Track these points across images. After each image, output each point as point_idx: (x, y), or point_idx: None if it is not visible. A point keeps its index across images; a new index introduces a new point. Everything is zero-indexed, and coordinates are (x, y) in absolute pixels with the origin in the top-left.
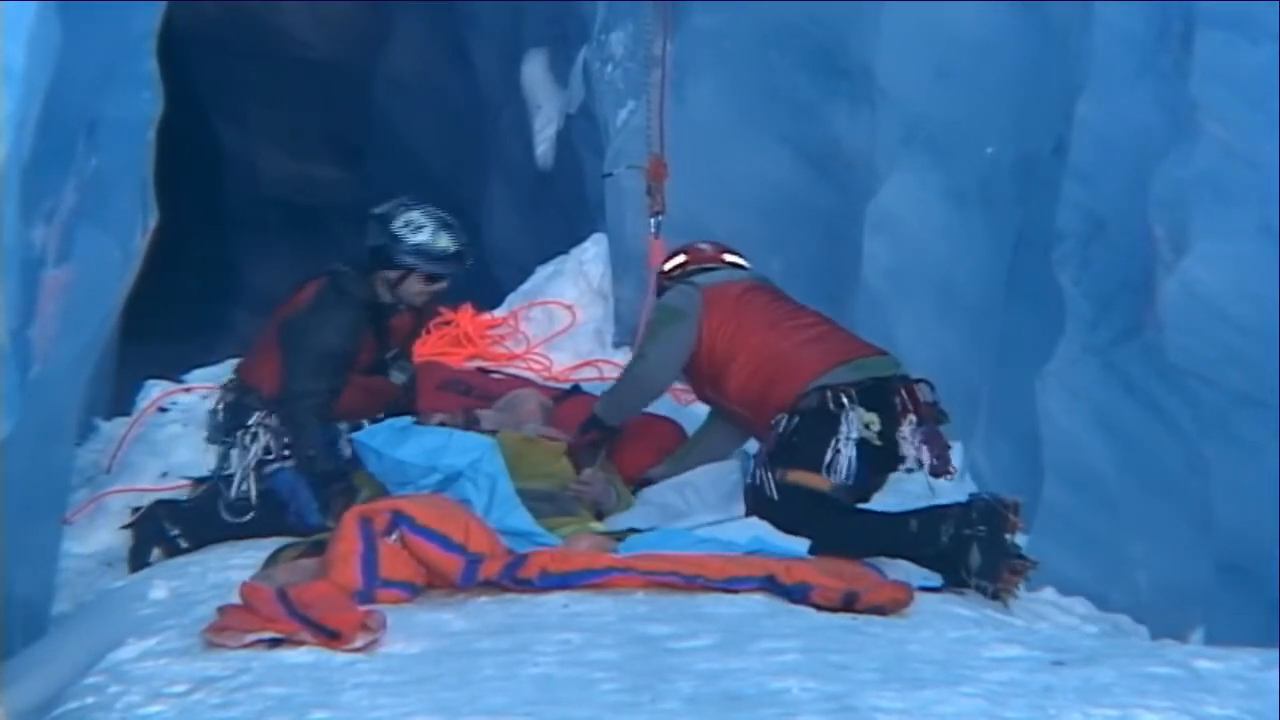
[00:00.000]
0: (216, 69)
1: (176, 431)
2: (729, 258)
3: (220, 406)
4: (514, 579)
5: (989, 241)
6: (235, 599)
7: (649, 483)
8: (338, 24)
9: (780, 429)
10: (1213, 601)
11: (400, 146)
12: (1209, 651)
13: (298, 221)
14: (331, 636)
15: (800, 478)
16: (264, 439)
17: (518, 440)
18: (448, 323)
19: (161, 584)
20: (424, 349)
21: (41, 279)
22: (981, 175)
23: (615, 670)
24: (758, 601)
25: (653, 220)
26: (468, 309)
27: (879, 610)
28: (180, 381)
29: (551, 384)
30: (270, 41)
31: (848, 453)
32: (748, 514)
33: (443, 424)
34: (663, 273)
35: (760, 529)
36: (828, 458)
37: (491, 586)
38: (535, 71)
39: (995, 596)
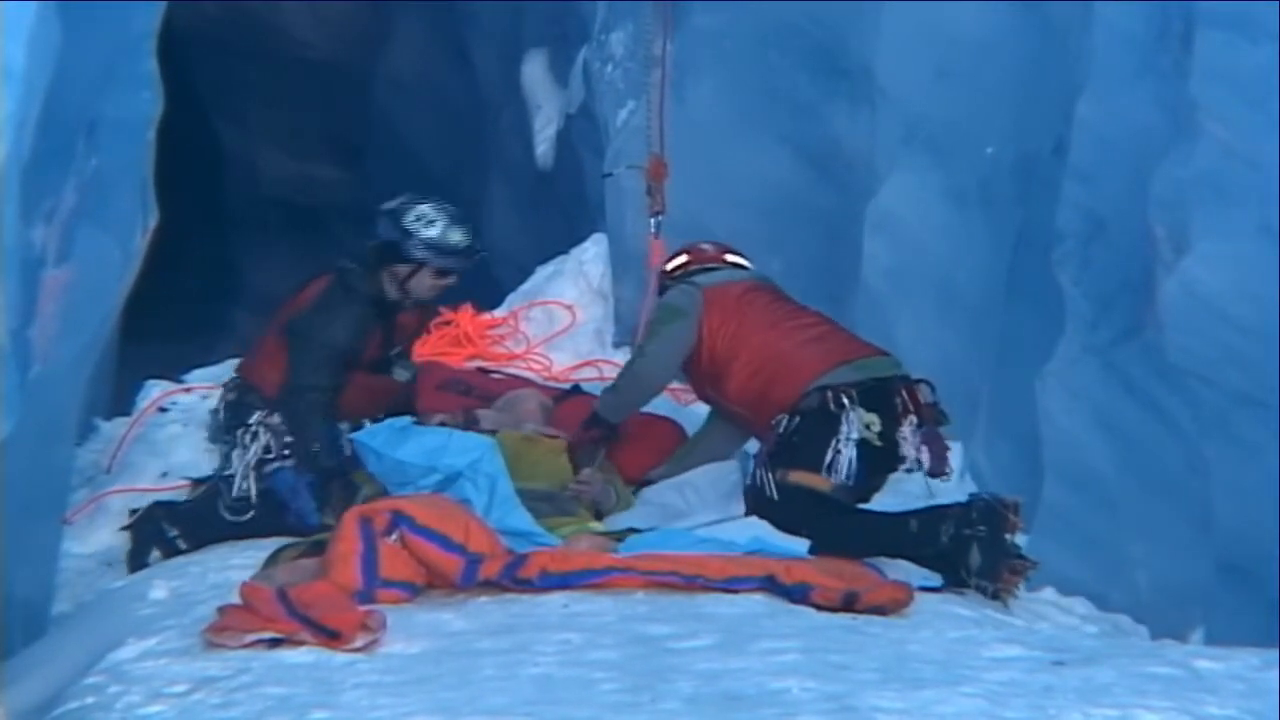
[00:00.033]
0: (216, 69)
1: (176, 431)
2: (731, 258)
3: (221, 406)
4: (514, 579)
5: (989, 241)
6: (235, 599)
7: (650, 484)
8: (338, 24)
9: (781, 429)
10: (1213, 601)
11: (400, 146)
12: (1209, 651)
13: (298, 221)
14: (331, 636)
15: (800, 478)
16: (264, 438)
17: (517, 440)
18: (448, 323)
19: (161, 584)
20: (424, 349)
21: (41, 279)
22: (981, 175)
23: (615, 670)
24: (758, 601)
25: (653, 220)
26: (468, 309)
27: (879, 610)
28: (180, 381)
29: (551, 384)
30: (270, 41)
31: (848, 453)
32: (748, 514)
33: (443, 424)
34: (664, 272)
35: (760, 529)
36: (828, 458)
37: (491, 586)
38: (535, 71)
39: (995, 596)
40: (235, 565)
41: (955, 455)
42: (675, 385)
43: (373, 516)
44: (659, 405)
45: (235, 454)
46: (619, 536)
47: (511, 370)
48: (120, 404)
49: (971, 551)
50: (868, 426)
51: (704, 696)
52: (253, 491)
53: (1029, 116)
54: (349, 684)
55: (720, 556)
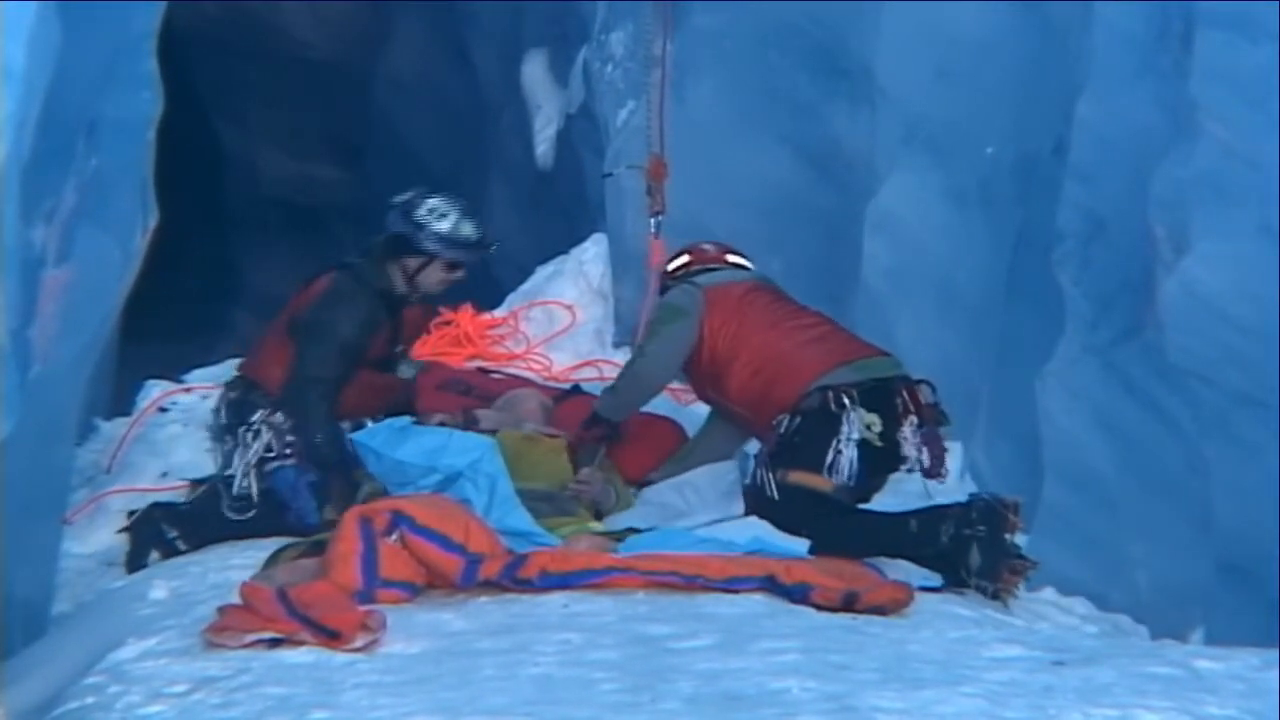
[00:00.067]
0: (216, 69)
1: (176, 431)
2: (732, 258)
3: (222, 405)
4: (514, 579)
5: (989, 241)
6: (235, 599)
7: (650, 485)
8: (338, 24)
9: (781, 429)
10: (1213, 601)
11: (400, 146)
12: (1209, 651)
13: (298, 221)
14: (331, 636)
15: (801, 478)
16: (266, 436)
17: (517, 439)
18: (448, 323)
19: (161, 584)
20: (424, 349)
21: (41, 279)
22: (981, 175)
23: (615, 670)
24: (758, 601)
25: (653, 220)
26: (468, 309)
27: (879, 610)
28: (180, 381)
29: (551, 384)
30: (270, 41)
31: (849, 453)
32: (748, 514)
33: (442, 424)
34: (666, 272)
35: (760, 529)
36: (829, 458)
37: (491, 586)
38: (535, 71)
39: (995, 596)
40: (235, 565)
41: (955, 455)
42: (675, 385)
43: (373, 516)
44: (659, 405)
45: (237, 453)
46: (619, 536)
47: (511, 370)
48: (120, 404)
49: (971, 551)
50: (868, 427)
51: (704, 696)
52: (254, 490)
53: (1029, 116)
54: (349, 684)
55: (720, 556)
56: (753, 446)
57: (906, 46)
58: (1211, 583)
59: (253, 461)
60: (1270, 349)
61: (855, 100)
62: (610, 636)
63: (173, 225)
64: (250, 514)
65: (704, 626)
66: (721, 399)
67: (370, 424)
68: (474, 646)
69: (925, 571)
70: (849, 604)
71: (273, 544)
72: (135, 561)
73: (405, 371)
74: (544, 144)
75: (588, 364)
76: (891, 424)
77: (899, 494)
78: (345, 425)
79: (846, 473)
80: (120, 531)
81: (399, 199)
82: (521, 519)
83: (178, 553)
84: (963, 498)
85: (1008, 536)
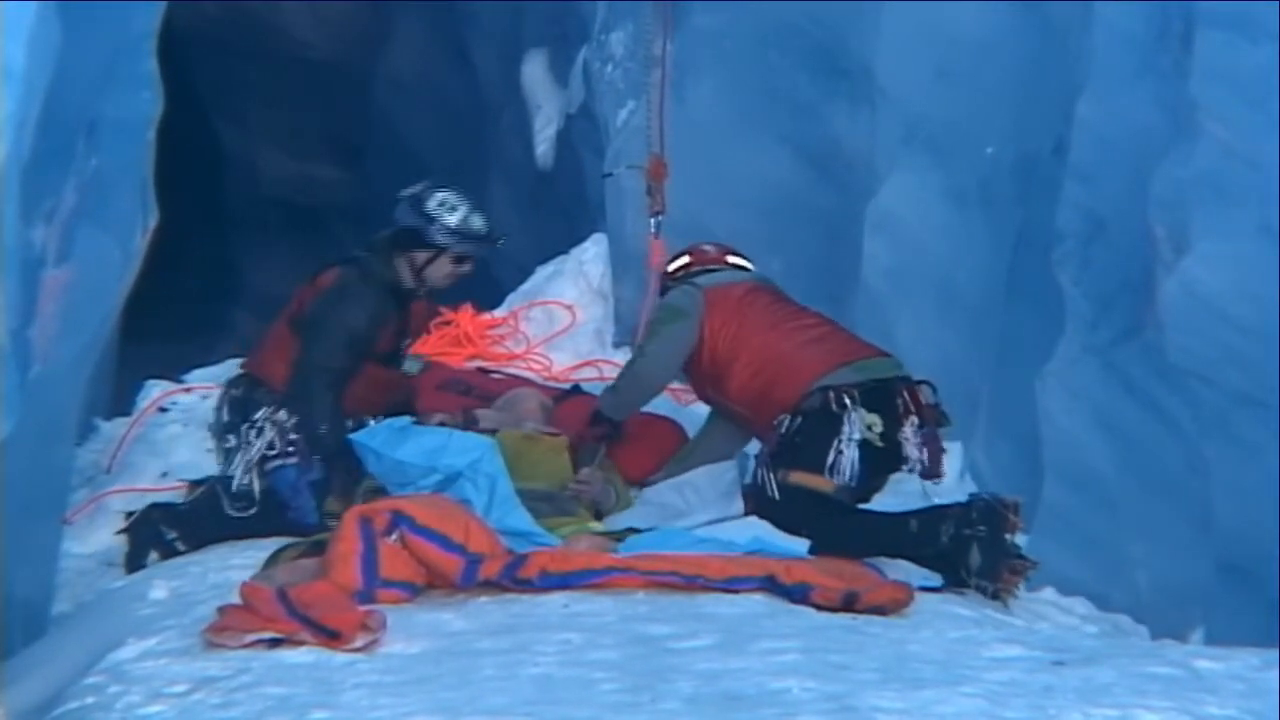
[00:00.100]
0: (216, 69)
1: (176, 431)
2: (732, 259)
3: (224, 403)
4: (514, 579)
5: (989, 241)
6: (235, 599)
7: (651, 485)
8: (338, 24)
9: (783, 429)
10: (1213, 601)
11: (400, 146)
12: (1209, 651)
13: (298, 221)
14: (331, 636)
15: (802, 479)
16: (270, 434)
17: (517, 439)
18: (448, 323)
19: (161, 584)
20: (424, 349)
21: (41, 279)
22: (981, 175)
23: (615, 670)
24: (758, 601)
25: (653, 220)
26: (468, 309)
27: (879, 610)
28: (180, 381)
29: (551, 384)
30: (270, 41)
31: (850, 454)
32: (748, 513)
33: (442, 424)
34: (666, 273)
35: (760, 529)
36: (830, 459)
37: (491, 586)
38: (535, 71)
39: (995, 596)
40: (235, 565)
41: (955, 455)
42: (675, 385)
43: (373, 516)
44: (659, 405)
45: (239, 450)
46: (619, 536)
47: (511, 370)
48: (120, 404)
49: (971, 551)
50: (869, 427)
51: (704, 696)
52: (255, 487)
53: (1029, 116)
54: (349, 684)
55: (720, 556)
56: (753, 447)
57: (906, 46)
58: (1211, 583)
59: (255, 459)
60: (1270, 349)
61: (855, 100)
62: (610, 636)
63: (173, 225)
64: (251, 511)
65: (704, 626)
66: (722, 399)
67: (373, 423)
68: (474, 646)
69: (925, 571)
70: (849, 604)
71: (273, 544)
72: (134, 562)
73: (410, 367)
74: (544, 144)
75: (588, 364)
76: (892, 424)
77: (899, 494)
78: (348, 424)
79: (848, 473)
80: (119, 533)
81: (408, 192)
82: (521, 519)
83: (177, 553)
84: (963, 498)
85: (1008, 536)
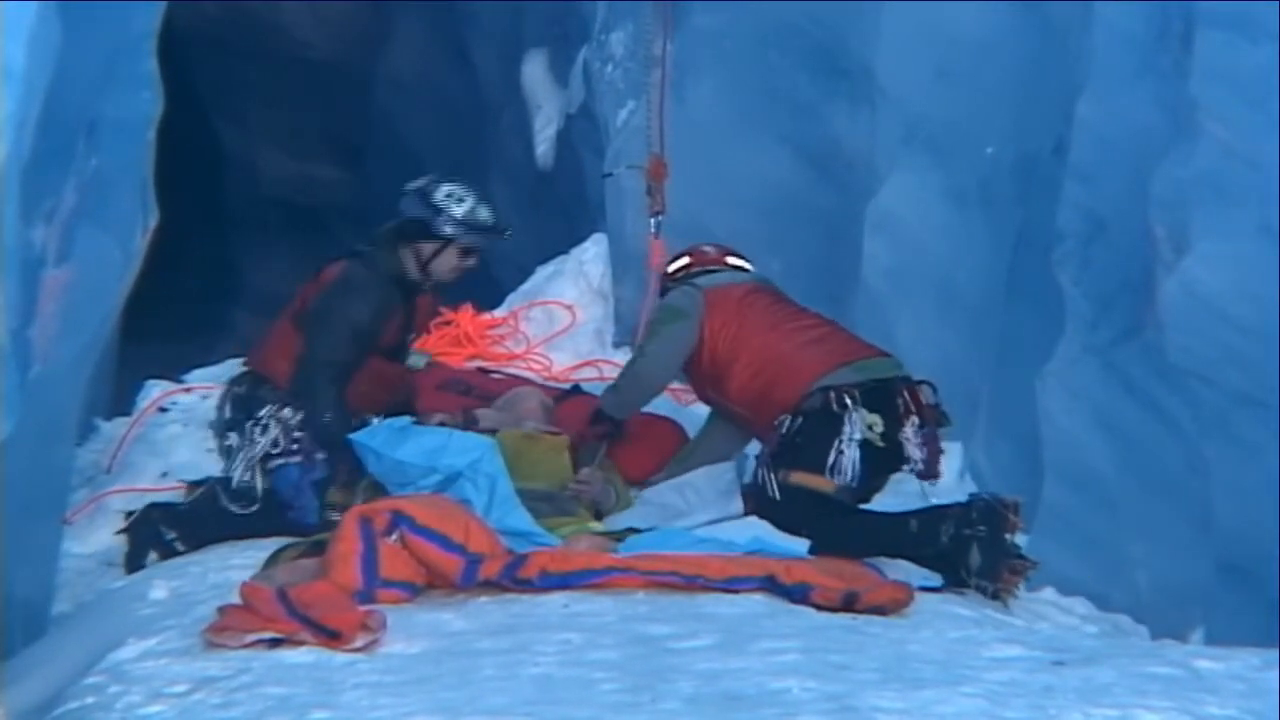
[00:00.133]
0: (216, 69)
1: (176, 431)
2: (732, 260)
3: (227, 401)
4: (514, 579)
5: (989, 241)
6: (235, 599)
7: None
8: (338, 24)
9: (783, 429)
10: (1213, 601)
11: (400, 146)
12: (1209, 651)
13: (298, 221)
14: (331, 636)
15: (803, 479)
16: (274, 431)
17: (518, 438)
18: (448, 323)
19: (161, 584)
20: (424, 348)
21: (41, 279)
22: (981, 175)
23: (615, 670)
24: (758, 601)
25: (653, 220)
26: (468, 309)
27: (879, 610)
28: (180, 381)
29: (551, 384)
30: (270, 41)
31: (851, 454)
32: (749, 513)
33: (442, 424)
34: (666, 274)
35: (760, 529)
36: (831, 459)
37: (491, 586)
38: (535, 71)
39: (995, 596)
40: (235, 565)
41: (955, 455)
42: (675, 385)
43: (373, 516)
44: (659, 405)
45: (243, 447)
46: (619, 536)
47: (511, 370)
48: (120, 404)
49: (971, 551)
50: (870, 427)
51: (704, 696)
52: (258, 485)
53: (1029, 116)
54: (349, 684)
55: (720, 556)
56: (752, 448)
57: (906, 46)
58: (1211, 583)
59: (258, 456)
60: (1270, 349)
61: (855, 100)
62: (610, 636)
63: (173, 225)
64: (253, 509)
65: (704, 626)
66: (722, 400)
67: (376, 421)
68: (474, 646)
69: (925, 571)
70: (849, 604)
71: (273, 544)
72: (134, 562)
73: (416, 362)
74: (544, 144)
75: (588, 364)
76: (893, 424)
77: (898, 494)
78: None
79: (849, 473)
80: (118, 533)
81: (414, 185)
82: (521, 519)
83: (176, 554)
84: (963, 498)
85: (1008, 536)
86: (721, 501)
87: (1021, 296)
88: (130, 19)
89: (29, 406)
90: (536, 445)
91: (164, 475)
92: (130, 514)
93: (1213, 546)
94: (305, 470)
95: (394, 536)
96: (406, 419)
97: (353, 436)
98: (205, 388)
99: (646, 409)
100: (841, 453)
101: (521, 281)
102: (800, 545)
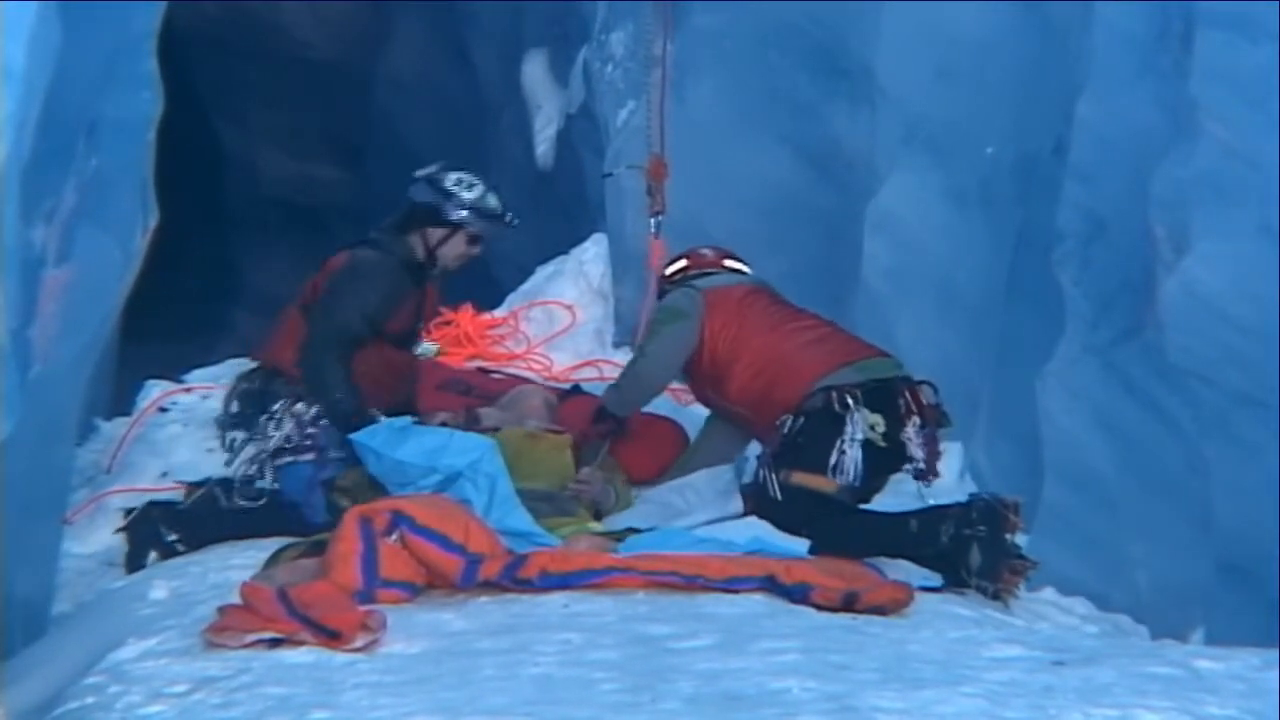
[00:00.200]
0: (216, 69)
1: (176, 431)
2: (730, 263)
3: (235, 397)
4: (514, 579)
5: (989, 241)
6: (235, 599)
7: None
8: (338, 24)
9: (785, 429)
10: (1213, 601)
11: (400, 146)
12: (1209, 651)
13: (298, 221)
14: (331, 636)
15: (804, 479)
16: (288, 426)
17: (519, 437)
18: (448, 323)
19: (161, 584)
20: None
21: (41, 279)
22: (981, 175)
23: (615, 670)
24: (758, 601)
25: (653, 220)
26: (468, 309)
27: (879, 610)
28: (180, 381)
29: (552, 384)
30: (270, 41)
31: (853, 454)
32: (750, 513)
33: (445, 423)
34: (664, 277)
35: (760, 529)
36: (833, 459)
37: (491, 587)
38: (535, 71)
39: (995, 596)
40: (235, 565)
41: (955, 455)
42: (675, 385)
43: (373, 516)
44: (659, 405)
45: (253, 442)
46: (618, 536)
47: (511, 370)
48: (120, 404)
49: (972, 551)
50: (872, 427)
51: (704, 696)
52: (268, 479)
53: (1029, 116)
54: (349, 684)
55: (720, 556)
56: (752, 450)
57: (906, 46)
58: (1211, 583)
59: (270, 450)
60: (1270, 349)
61: (855, 100)
62: (610, 636)
63: (173, 225)
64: (260, 502)
65: (704, 626)
66: (722, 401)
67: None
68: (474, 646)
69: (925, 571)
70: (849, 604)
71: (273, 544)
72: (134, 562)
73: (426, 351)
74: (544, 144)
75: (588, 364)
76: (895, 424)
77: (898, 494)
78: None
79: (851, 473)
80: (117, 531)
81: (423, 172)
82: (521, 519)
83: (177, 554)
84: (963, 498)
85: (1008, 536)
86: (721, 501)
87: (1021, 296)
88: (130, 19)
89: (29, 406)
90: (538, 444)
91: (164, 475)
92: (130, 511)
93: (1213, 546)
94: (319, 468)
95: (394, 536)
96: (407, 419)
97: (353, 436)
98: (205, 388)
99: (647, 409)
100: (843, 453)
101: (521, 281)
102: (800, 545)
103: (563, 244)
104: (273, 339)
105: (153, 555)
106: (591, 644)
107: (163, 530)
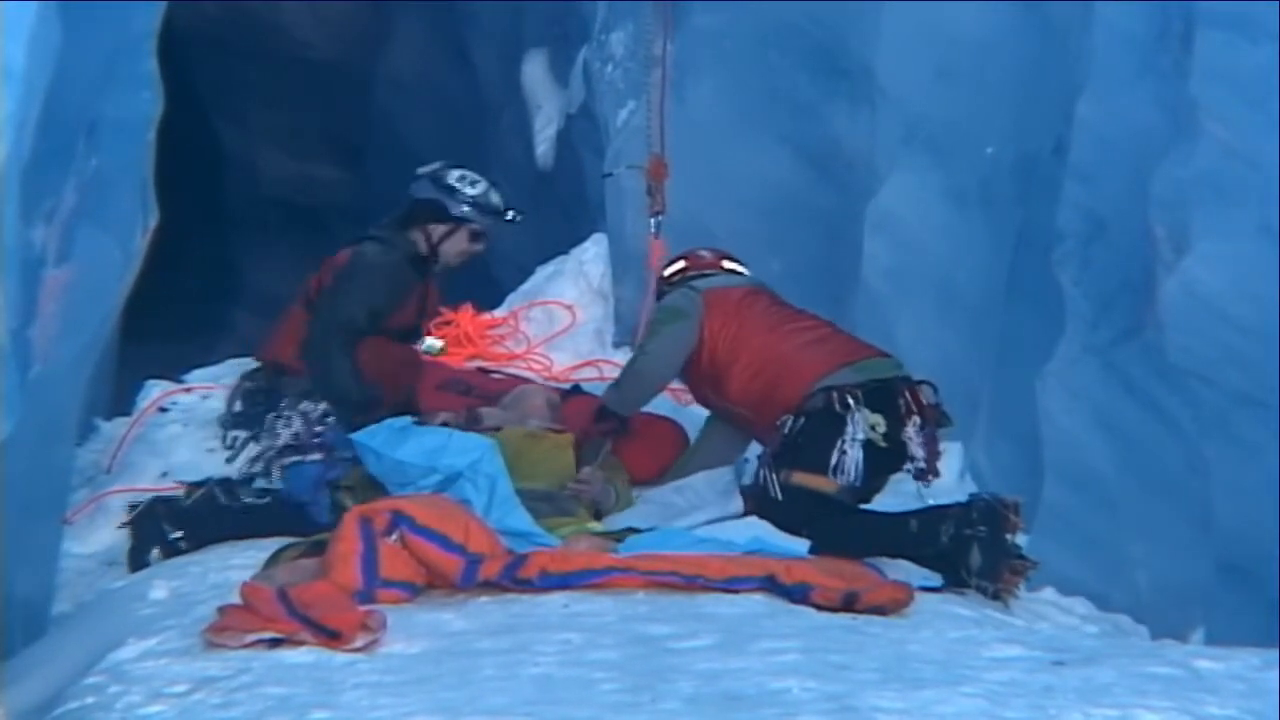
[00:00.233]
0: (216, 69)
1: (176, 431)
2: (728, 264)
3: (238, 397)
4: (514, 579)
5: (989, 241)
6: (235, 599)
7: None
8: (338, 24)
9: (786, 429)
10: (1213, 601)
11: (400, 146)
12: (1209, 651)
13: (298, 221)
14: (331, 636)
15: (805, 479)
16: (297, 424)
17: (520, 437)
18: (448, 323)
19: (161, 584)
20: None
21: (41, 279)
22: (981, 175)
23: (615, 670)
24: (758, 601)
25: (653, 220)
26: (468, 309)
27: (879, 610)
28: (180, 381)
29: (552, 384)
30: (270, 41)
31: (854, 454)
32: (750, 513)
33: (446, 423)
34: (662, 278)
35: (760, 529)
36: (833, 459)
37: (491, 587)
38: (535, 71)
39: (995, 596)
40: (235, 565)
41: (955, 455)
42: (675, 385)
43: (373, 516)
44: (659, 405)
45: (260, 439)
46: (618, 536)
47: (512, 370)
48: (120, 404)
49: (972, 551)
50: (873, 427)
51: (704, 696)
52: (273, 476)
53: (1029, 116)
54: (349, 684)
55: (720, 556)
56: (752, 450)
57: (906, 46)
58: (1211, 583)
59: (278, 448)
60: (1270, 349)
61: (855, 100)
62: (610, 636)
63: (173, 225)
64: (265, 500)
65: (704, 626)
66: (722, 402)
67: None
68: (474, 646)
69: (925, 571)
70: (849, 604)
71: (273, 544)
72: (137, 558)
73: (431, 346)
74: (544, 144)
75: (588, 364)
76: (895, 425)
77: (898, 494)
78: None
79: (851, 473)
80: (121, 526)
81: (425, 169)
82: (521, 519)
83: (179, 552)
84: (963, 498)
85: (1008, 536)
86: (721, 501)
87: (1021, 296)
88: (130, 19)
89: (29, 406)
90: (539, 444)
91: (164, 475)
92: (134, 506)
93: (1213, 546)
94: (328, 467)
95: (394, 536)
96: (407, 419)
97: (353, 436)
98: (205, 388)
99: (647, 409)
100: (844, 453)
101: (521, 281)
102: (800, 545)
103: (563, 244)
104: (276, 337)
105: (155, 552)
106: (591, 644)
107: (166, 527)
